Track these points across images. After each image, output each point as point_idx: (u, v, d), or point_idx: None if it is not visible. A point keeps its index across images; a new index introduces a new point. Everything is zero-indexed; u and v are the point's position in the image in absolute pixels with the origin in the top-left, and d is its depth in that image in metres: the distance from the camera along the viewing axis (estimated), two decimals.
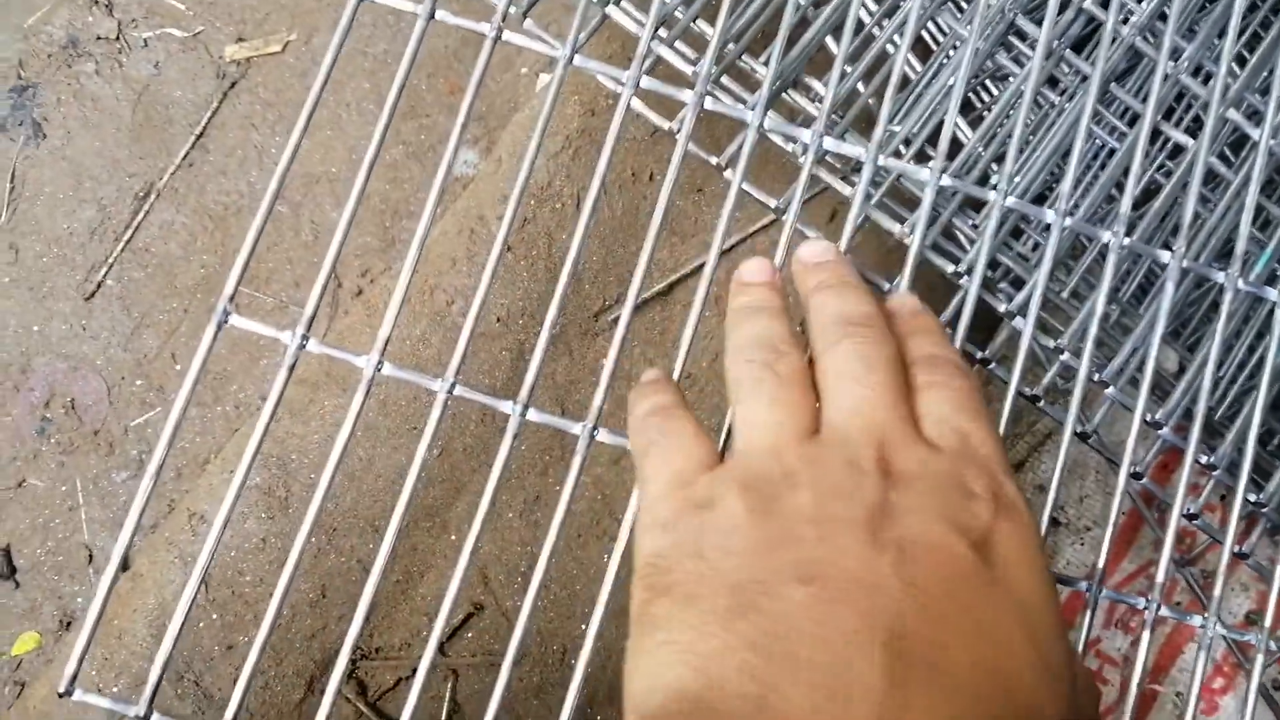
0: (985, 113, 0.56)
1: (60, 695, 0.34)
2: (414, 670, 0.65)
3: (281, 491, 0.63)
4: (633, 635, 0.27)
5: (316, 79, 0.43)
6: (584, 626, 0.73)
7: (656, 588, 0.27)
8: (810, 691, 0.24)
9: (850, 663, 0.24)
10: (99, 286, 0.91)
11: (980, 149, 0.49)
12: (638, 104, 0.47)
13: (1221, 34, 0.49)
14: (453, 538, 0.62)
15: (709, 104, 0.43)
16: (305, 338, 0.39)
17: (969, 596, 0.26)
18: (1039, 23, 0.45)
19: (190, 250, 0.92)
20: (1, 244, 0.92)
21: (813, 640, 0.25)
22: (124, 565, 0.81)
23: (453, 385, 0.39)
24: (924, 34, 0.59)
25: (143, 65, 0.97)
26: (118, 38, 0.98)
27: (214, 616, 0.60)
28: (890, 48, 0.50)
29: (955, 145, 0.52)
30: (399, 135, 0.95)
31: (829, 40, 0.49)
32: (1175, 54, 0.50)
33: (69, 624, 0.83)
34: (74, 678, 0.35)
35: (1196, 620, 0.43)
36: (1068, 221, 0.43)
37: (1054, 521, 0.61)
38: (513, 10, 0.44)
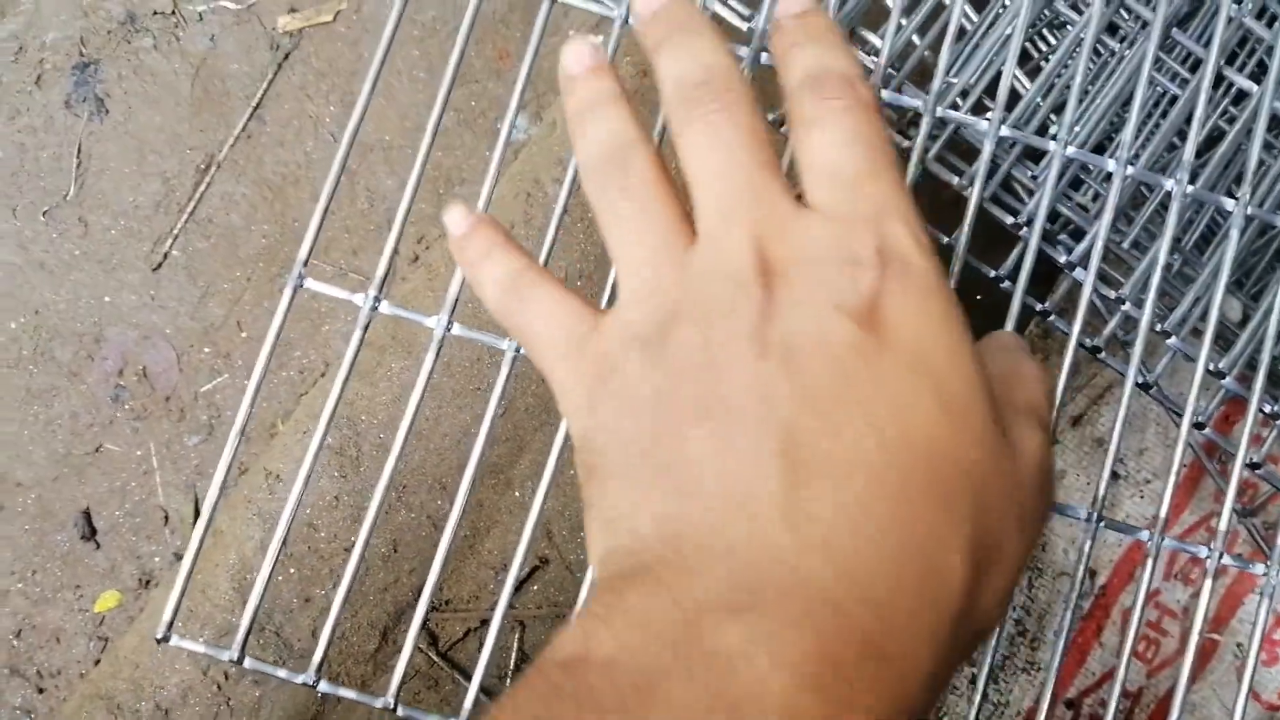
0: (1044, 62, 0.55)
1: (158, 641, 0.36)
2: (483, 621, 0.67)
3: (353, 451, 0.65)
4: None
5: (373, 61, 0.44)
6: None
7: (585, 468, 0.28)
8: (719, 518, 0.25)
9: (751, 480, 0.25)
10: (165, 257, 0.94)
11: (1039, 99, 0.49)
12: None
13: None
14: (517, 494, 0.64)
15: (765, 59, 0.43)
16: (378, 299, 0.40)
17: (856, 373, 0.25)
18: None
19: (251, 220, 0.94)
20: (71, 218, 0.95)
21: (715, 472, 0.25)
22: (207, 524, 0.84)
23: (519, 346, 0.40)
24: None
25: (199, 39, 0.99)
26: (173, 12, 1.00)
27: (291, 570, 0.63)
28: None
29: (1014, 96, 0.52)
30: (450, 102, 0.96)
31: None
32: None
33: (148, 582, 0.87)
34: (170, 624, 0.37)
35: (1259, 569, 0.43)
36: (1129, 170, 0.43)
37: (1114, 475, 0.61)
38: None
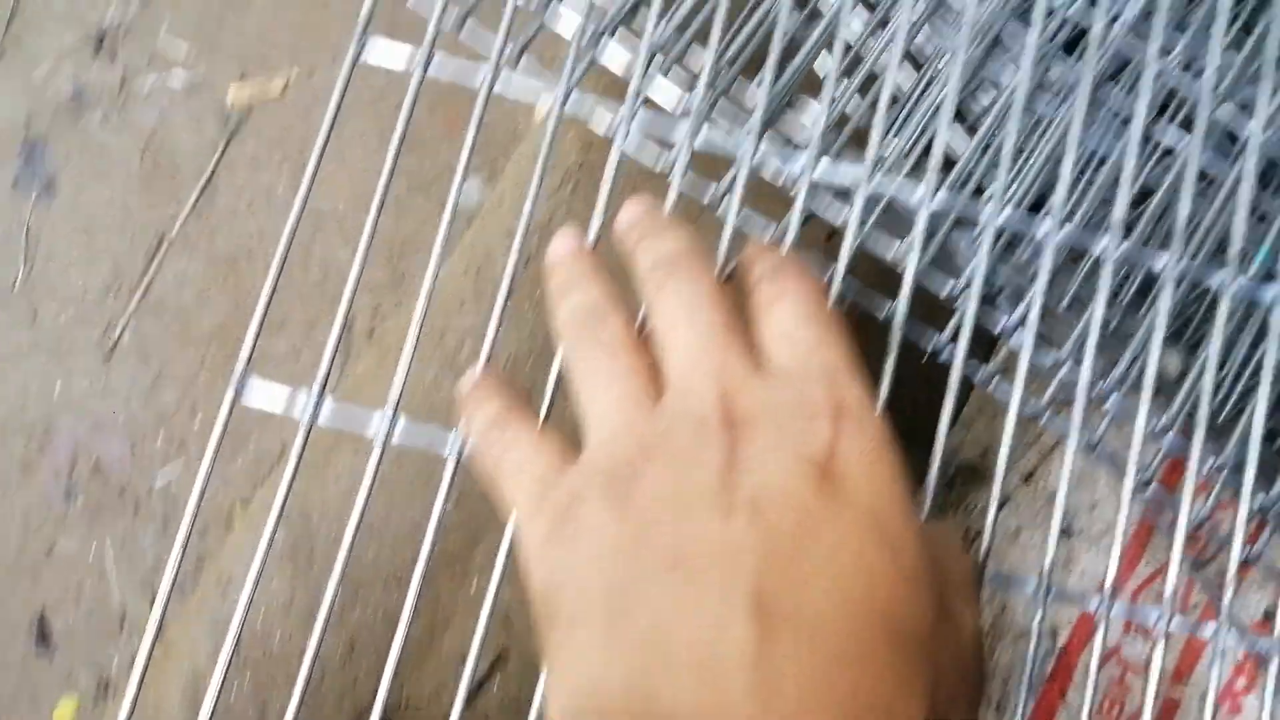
0: (984, 117, 0.56)
1: None
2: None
3: (305, 550, 0.64)
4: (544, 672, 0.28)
5: (318, 138, 0.44)
6: None
7: (546, 619, 0.27)
8: (689, 676, 0.24)
9: (721, 636, 0.24)
10: (117, 342, 0.93)
11: (978, 156, 0.50)
12: (633, 141, 0.48)
13: (1211, 26, 0.49)
14: (474, 585, 0.63)
15: (699, 143, 0.43)
16: (315, 414, 0.40)
17: (819, 526, 0.26)
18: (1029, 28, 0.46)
19: (204, 298, 0.94)
20: (20, 306, 0.93)
21: (685, 626, 0.25)
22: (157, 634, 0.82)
23: (462, 447, 0.39)
24: (915, 47, 0.59)
25: (148, 113, 0.99)
26: (122, 87, 1.00)
27: (247, 674, 0.62)
28: (879, 66, 0.51)
29: (952, 158, 0.53)
30: (401, 168, 0.96)
31: (822, 58, 0.50)
32: (1167, 50, 0.50)
33: (107, 687, 0.84)
34: None
35: (1208, 631, 0.43)
36: (1063, 233, 0.44)
37: (1066, 532, 0.61)
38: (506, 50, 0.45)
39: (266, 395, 0.42)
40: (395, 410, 0.39)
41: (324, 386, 0.41)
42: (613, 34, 0.52)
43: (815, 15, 0.50)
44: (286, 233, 0.42)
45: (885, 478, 0.27)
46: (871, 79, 0.52)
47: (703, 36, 0.44)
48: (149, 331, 0.93)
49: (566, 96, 0.45)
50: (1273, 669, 0.38)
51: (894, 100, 0.55)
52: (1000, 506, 0.67)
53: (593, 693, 0.25)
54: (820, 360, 0.29)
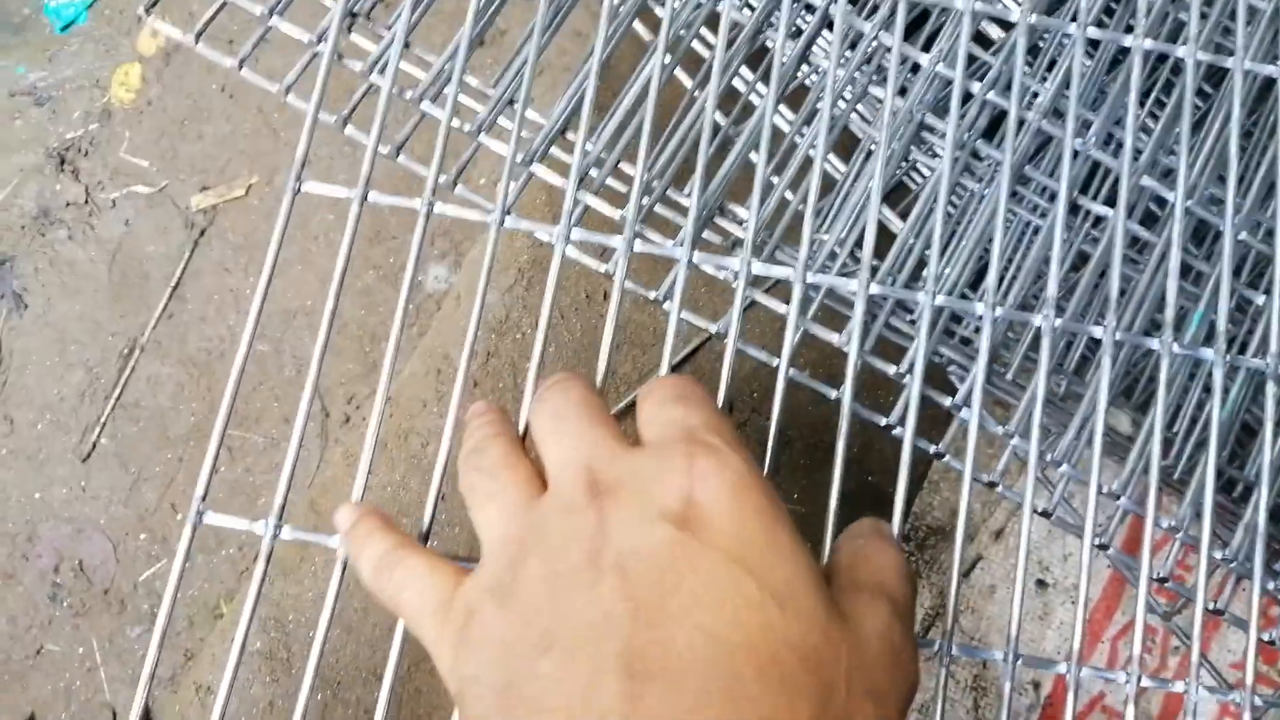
0: (920, 195, 0.58)
1: None
2: None
3: (283, 653, 0.64)
4: None
5: (269, 254, 0.44)
6: None
7: None
8: None
9: (592, 704, 0.26)
10: (94, 447, 0.93)
11: (913, 239, 0.51)
12: (573, 251, 0.49)
13: (1126, 101, 0.51)
14: None
15: (639, 246, 0.45)
16: (278, 528, 0.40)
17: (679, 576, 0.27)
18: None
19: (179, 400, 0.94)
20: None
21: (561, 703, 0.26)
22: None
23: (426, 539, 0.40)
24: (850, 126, 0.61)
25: (114, 225, 1.00)
26: (86, 201, 1.01)
27: None
28: (812, 153, 0.52)
29: (889, 239, 0.54)
30: (369, 260, 0.98)
31: (753, 155, 0.51)
32: (1086, 127, 0.52)
33: None
34: None
35: (1179, 687, 0.43)
36: (998, 313, 0.45)
37: (1040, 584, 0.62)
38: (443, 179, 0.46)
39: (227, 522, 0.42)
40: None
41: (282, 510, 0.41)
42: (542, 158, 0.53)
43: (746, 112, 0.52)
44: (244, 343, 0.43)
45: (747, 510, 0.28)
46: (805, 169, 0.54)
47: (633, 150, 0.46)
48: (126, 434, 0.93)
49: (503, 219, 0.46)
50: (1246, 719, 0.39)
51: (827, 189, 0.57)
52: (972, 568, 0.68)
53: None
54: (680, 426, 0.31)
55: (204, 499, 0.42)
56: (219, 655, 0.69)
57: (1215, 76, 0.64)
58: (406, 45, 0.47)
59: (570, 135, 0.48)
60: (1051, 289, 0.45)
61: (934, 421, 0.64)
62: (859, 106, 0.55)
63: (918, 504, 0.62)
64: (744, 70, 0.59)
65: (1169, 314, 0.46)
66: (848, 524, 0.37)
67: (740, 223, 0.50)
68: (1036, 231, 0.54)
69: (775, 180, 0.51)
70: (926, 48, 0.50)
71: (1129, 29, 0.48)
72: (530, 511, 0.30)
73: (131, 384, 0.95)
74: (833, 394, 0.47)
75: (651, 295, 0.47)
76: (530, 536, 0.29)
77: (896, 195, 0.66)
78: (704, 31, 0.68)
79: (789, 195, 0.52)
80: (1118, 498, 0.45)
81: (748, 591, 0.27)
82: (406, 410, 0.70)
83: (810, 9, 0.53)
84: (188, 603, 0.87)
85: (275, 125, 1.01)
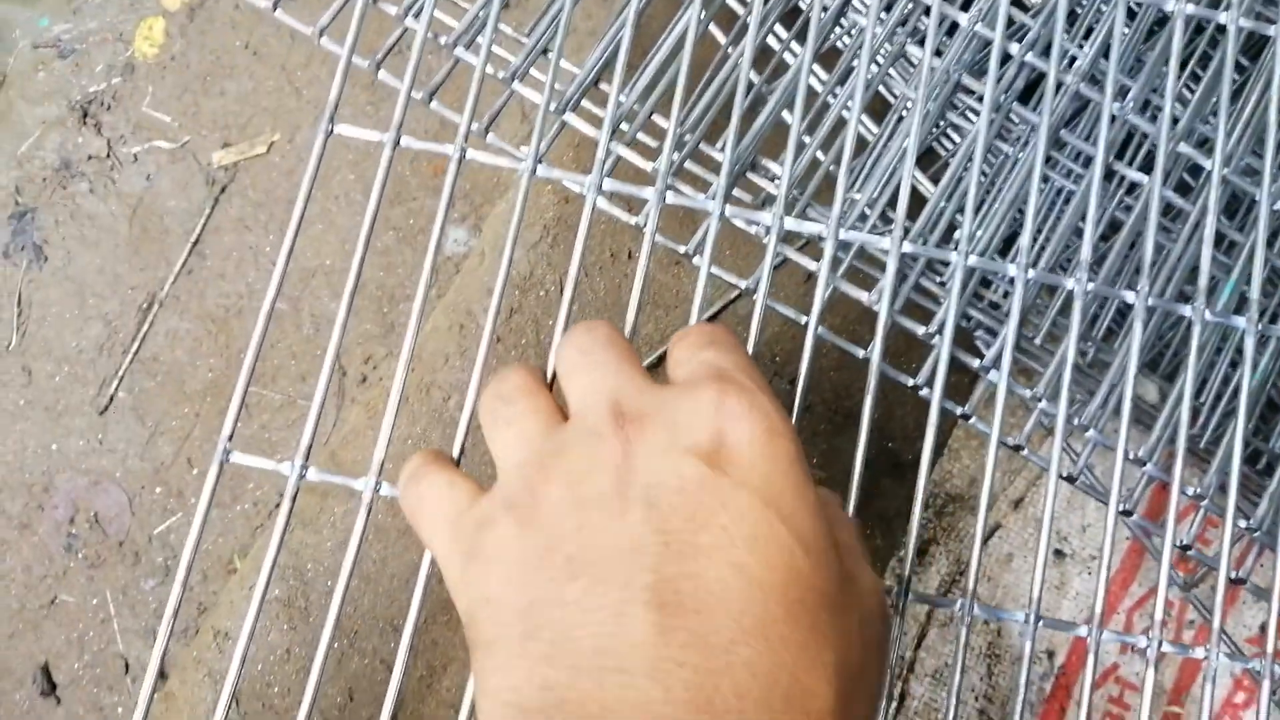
0: (950, 161, 0.57)
1: None
2: None
3: (301, 601, 0.64)
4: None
5: (298, 201, 0.45)
6: None
7: (472, 642, 0.28)
8: (594, 680, 0.25)
9: (620, 630, 0.26)
10: (111, 400, 0.93)
11: (944, 203, 0.51)
12: (603, 203, 0.49)
13: (1164, 68, 0.50)
14: None
15: (670, 198, 0.44)
16: (304, 469, 0.41)
17: (710, 512, 0.27)
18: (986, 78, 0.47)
19: (196, 355, 0.95)
20: (14, 367, 0.94)
21: (588, 632, 0.26)
22: (161, 674, 0.83)
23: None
24: (881, 90, 0.60)
25: (135, 179, 1.00)
26: (108, 155, 1.01)
27: None
28: (845, 113, 0.52)
29: (920, 202, 0.53)
30: (389, 221, 0.98)
31: (785, 114, 0.51)
32: (1123, 93, 0.51)
33: None
34: None
35: (1199, 653, 0.43)
36: (1030, 274, 0.45)
37: (1058, 553, 0.62)
38: (474, 127, 0.46)
39: (253, 461, 0.42)
40: (381, 470, 0.39)
41: (309, 451, 0.42)
42: (575, 108, 0.52)
43: (780, 70, 0.52)
44: (266, 305, 0.43)
45: (776, 457, 0.28)
46: (838, 129, 0.53)
47: (668, 101, 0.45)
48: (143, 388, 0.94)
49: (535, 168, 0.46)
50: (1265, 688, 0.39)
51: (859, 150, 0.56)
52: (990, 535, 0.68)
53: (514, 704, 0.26)
54: (712, 366, 0.31)
55: (230, 439, 0.42)
56: (237, 603, 0.69)
57: (1251, 50, 0.63)
58: None
59: (604, 86, 0.48)
60: (1085, 252, 0.44)
61: (955, 389, 0.64)
62: (893, 69, 0.55)
63: (937, 471, 0.62)
64: (778, 28, 0.59)
65: (1202, 281, 0.45)
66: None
67: (773, 179, 0.49)
68: (1068, 200, 0.53)
69: (807, 140, 0.51)
70: (964, 7, 0.50)
71: None
72: (551, 438, 0.30)
73: (150, 338, 0.95)
74: (860, 353, 0.47)
75: (681, 249, 0.47)
76: (551, 460, 0.29)
77: (926, 160, 0.66)
78: None
79: (820, 156, 0.51)
80: (1143, 464, 0.45)
81: (779, 535, 0.27)
82: (429, 365, 0.70)
83: None
84: (202, 556, 0.87)
85: (298, 83, 1.00)
